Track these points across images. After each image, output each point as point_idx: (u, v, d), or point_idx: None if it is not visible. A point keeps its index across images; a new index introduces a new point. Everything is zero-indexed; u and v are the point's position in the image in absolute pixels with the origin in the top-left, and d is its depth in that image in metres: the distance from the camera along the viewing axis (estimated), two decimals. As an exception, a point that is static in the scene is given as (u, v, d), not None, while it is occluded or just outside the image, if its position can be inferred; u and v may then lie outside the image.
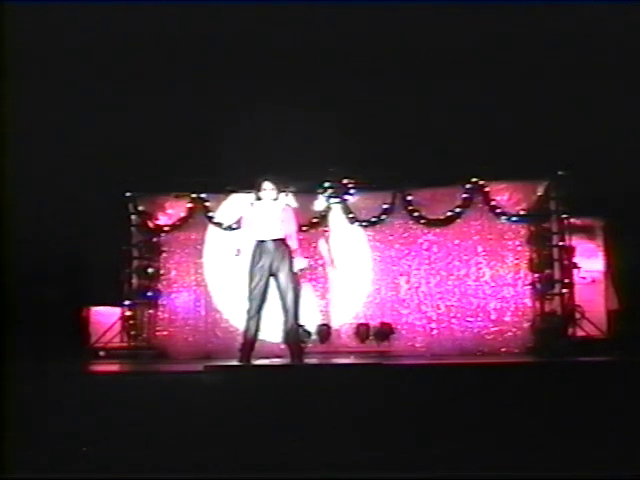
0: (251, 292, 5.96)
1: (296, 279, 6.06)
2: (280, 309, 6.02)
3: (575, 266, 8.09)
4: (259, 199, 6.16)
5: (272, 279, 5.99)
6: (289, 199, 7.86)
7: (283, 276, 5.94)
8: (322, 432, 4.11)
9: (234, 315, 8.29)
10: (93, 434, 4.16)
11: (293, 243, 6.08)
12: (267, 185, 6.11)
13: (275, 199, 6.15)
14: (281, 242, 6.02)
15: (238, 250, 6.06)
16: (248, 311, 5.98)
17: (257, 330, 6.01)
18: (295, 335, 6.07)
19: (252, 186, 6.26)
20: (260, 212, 6.12)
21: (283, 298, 5.96)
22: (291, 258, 6.04)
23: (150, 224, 8.87)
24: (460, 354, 8.05)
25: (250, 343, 5.99)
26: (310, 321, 8.25)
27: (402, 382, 4.75)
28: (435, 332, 8.49)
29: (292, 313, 5.95)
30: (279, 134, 8.06)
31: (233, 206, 8.67)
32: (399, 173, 8.27)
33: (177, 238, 8.97)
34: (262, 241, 6.01)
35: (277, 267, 5.95)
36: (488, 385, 4.63)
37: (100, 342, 8.51)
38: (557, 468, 3.76)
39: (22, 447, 3.88)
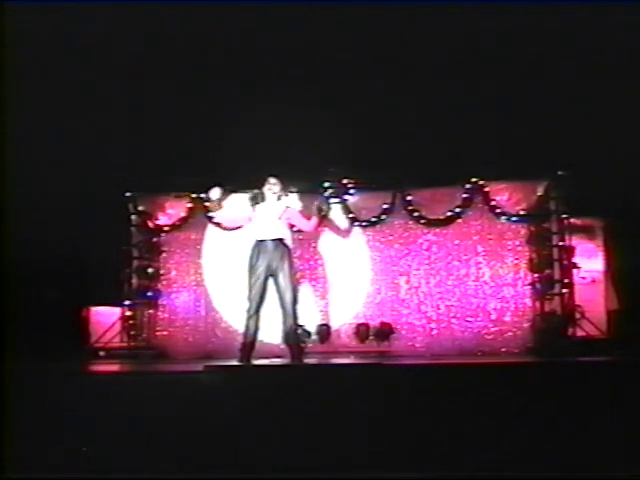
0: (250, 292, 5.96)
1: (295, 279, 6.06)
2: (279, 309, 6.02)
3: (575, 266, 8.08)
4: (261, 200, 6.15)
5: (271, 279, 6.00)
6: (291, 200, 7.85)
7: (282, 276, 5.94)
8: (322, 432, 4.11)
9: (233, 315, 8.28)
10: (93, 434, 4.16)
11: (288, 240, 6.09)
12: (272, 181, 6.13)
13: (278, 198, 6.16)
14: (280, 242, 6.02)
15: None
16: (247, 310, 5.98)
17: (257, 330, 6.01)
18: (295, 335, 6.07)
19: (257, 184, 6.25)
20: (261, 212, 6.12)
21: (282, 298, 5.96)
22: (290, 258, 6.05)
23: (150, 224, 8.86)
24: (460, 354, 8.04)
25: (250, 343, 5.99)
26: (310, 321, 8.24)
27: (402, 382, 4.74)
28: (435, 332, 8.47)
29: (291, 313, 5.95)
30: (279, 134, 8.06)
31: (233, 206, 8.65)
32: (399, 173, 8.26)
33: (177, 238, 8.96)
34: (261, 241, 6.02)
35: (276, 267, 5.95)
36: (488, 385, 4.63)
37: (100, 342, 8.50)
38: (557, 468, 3.76)
39: (22, 447, 3.88)
